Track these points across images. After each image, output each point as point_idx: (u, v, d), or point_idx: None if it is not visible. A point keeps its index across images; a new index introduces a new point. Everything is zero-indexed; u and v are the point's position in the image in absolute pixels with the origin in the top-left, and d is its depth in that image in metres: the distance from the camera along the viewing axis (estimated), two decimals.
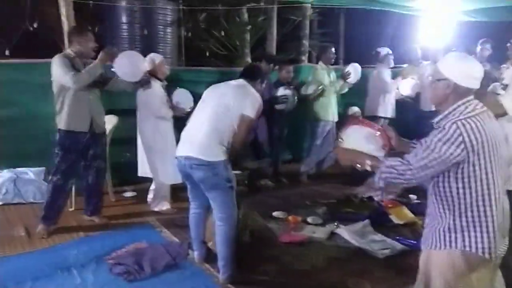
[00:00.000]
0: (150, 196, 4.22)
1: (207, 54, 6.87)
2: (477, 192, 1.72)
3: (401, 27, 8.33)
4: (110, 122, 4.20)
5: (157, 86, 3.92)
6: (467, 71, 1.78)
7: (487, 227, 1.73)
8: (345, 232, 3.51)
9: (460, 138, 1.67)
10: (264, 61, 4.68)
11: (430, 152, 1.71)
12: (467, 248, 1.74)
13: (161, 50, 6.33)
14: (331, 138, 5.10)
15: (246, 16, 7.40)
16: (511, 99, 2.51)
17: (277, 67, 4.93)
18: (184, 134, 2.84)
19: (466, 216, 1.74)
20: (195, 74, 5.35)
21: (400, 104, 6.28)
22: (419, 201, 4.32)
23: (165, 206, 4.14)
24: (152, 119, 3.93)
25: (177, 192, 4.29)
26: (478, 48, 5.61)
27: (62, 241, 3.44)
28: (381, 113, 5.40)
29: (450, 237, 1.77)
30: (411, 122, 6.10)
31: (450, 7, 5.58)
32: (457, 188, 1.74)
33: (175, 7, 6.31)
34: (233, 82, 2.92)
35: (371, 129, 2.13)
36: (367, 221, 3.69)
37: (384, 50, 5.46)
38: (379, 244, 3.35)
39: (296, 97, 4.81)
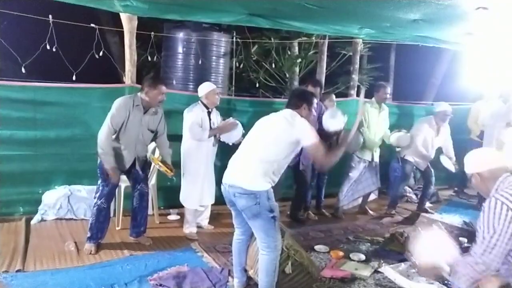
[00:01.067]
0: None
1: (257, 85, 7.04)
2: None
3: (453, 63, 8.14)
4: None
5: (199, 112, 4.08)
6: (482, 160, 2.06)
7: None
8: (389, 271, 3.38)
9: (503, 206, 1.82)
10: (310, 85, 4.61)
11: (484, 236, 1.88)
12: None
13: (213, 79, 6.57)
14: (372, 177, 5.01)
15: (296, 49, 7.56)
16: None
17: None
18: (231, 161, 2.90)
19: None
20: (243, 104, 5.49)
21: (467, 143, 6.02)
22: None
23: (188, 229, 4.21)
24: (187, 142, 4.10)
25: (219, 218, 4.35)
26: None
27: (109, 258, 3.56)
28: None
29: None
30: None
31: (506, 42, 5.41)
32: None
33: (229, 39, 6.57)
34: (281, 112, 2.97)
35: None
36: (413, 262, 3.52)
37: (441, 107, 5.15)
38: (425, 285, 3.18)
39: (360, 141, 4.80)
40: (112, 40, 7.73)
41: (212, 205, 4.41)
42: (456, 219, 5.03)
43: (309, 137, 2.73)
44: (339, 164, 5.17)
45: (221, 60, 6.59)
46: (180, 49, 6.42)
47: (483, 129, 5.82)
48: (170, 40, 6.36)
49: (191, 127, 4.03)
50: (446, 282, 3.24)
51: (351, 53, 6.96)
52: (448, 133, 5.24)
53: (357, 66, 6.50)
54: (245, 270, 3.09)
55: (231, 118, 4.32)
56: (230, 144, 4.22)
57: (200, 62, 5.75)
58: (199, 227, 4.36)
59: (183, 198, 4.20)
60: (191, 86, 6.14)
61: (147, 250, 3.77)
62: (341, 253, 3.73)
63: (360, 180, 5.01)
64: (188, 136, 4.10)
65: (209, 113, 4.17)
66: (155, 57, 5.31)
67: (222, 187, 2.87)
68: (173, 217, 4.71)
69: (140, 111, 3.65)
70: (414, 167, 5.19)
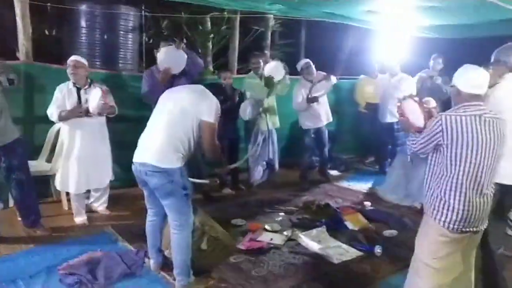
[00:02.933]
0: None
1: None
2: (447, 172, 2.16)
3: (360, 40, 8.62)
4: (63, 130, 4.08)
5: (63, 89, 3.79)
6: (468, 79, 2.20)
7: (452, 205, 2.14)
8: (302, 238, 3.57)
9: (439, 123, 2.14)
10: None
11: (423, 136, 2.25)
12: (437, 221, 2.19)
13: (121, 56, 6.23)
14: (271, 146, 5.09)
15: (209, 24, 7.43)
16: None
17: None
18: (140, 140, 2.80)
19: (440, 191, 2.18)
20: None
21: (359, 116, 6.50)
22: (372, 208, 4.47)
23: (77, 218, 3.96)
24: (63, 124, 3.87)
25: (134, 200, 4.22)
26: (431, 62, 5.90)
27: (9, 252, 3.29)
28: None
29: (430, 208, 2.23)
30: (369, 133, 6.33)
31: (405, 23, 5.84)
32: (436, 165, 2.21)
33: (137, 13, 6.23)
34: (189, 86, 2.90)
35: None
36: (324, 228, 3.76)
37: (301, 62, 5.36)
38: (335, 249, 3.42)
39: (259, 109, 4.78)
40: (3, 12, 6.91)
41: (122, 187, 4.21)
42: (362, 186, 5.45)
43: (210, 116, 2.68)
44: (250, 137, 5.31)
45: (130, 35, 6.25)
46: (83, 23, 5.95)
47: (368, 102, 6.24)
48: (72, 12, 5.84)
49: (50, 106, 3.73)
50: (351, 243, 3.52)
51: (263, 29, 7.03)
52: (324, 86, 5.21)
53: (269, 41, 6.58)
54: (161, 250, 3.05)
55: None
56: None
57: (105, 37, 5.38)
58: (94, 211, 4.17)
59: (59, 181, 3.92)
60: (98, 63, 5.75)
61: (55, 239, 3.54)
62: (257, 225, 3.84)
63: (262, 152, 5.07)
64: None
65: (78, 90, 3.77)
66: (54, 31, 4.87)
67: (133, 166, 2.77)
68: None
69: None
70: (313, 135, 5.35)
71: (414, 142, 2.31)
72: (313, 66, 5.27)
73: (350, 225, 3.85)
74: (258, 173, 5.18)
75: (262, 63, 5.05)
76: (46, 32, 4.79)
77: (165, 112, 2.75)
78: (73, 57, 3.83)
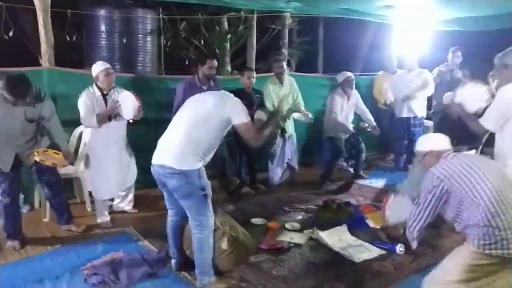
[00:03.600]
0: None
1: (187, 62, 6.86)
2: (472, 206, 2.15)
3: (378, 36, 8.50)
4: (86, 133, 4.15)
5: (90, 96, 3.80)
6: (435, 140, 2.50)
7: (487, 228, 2.09)
8: (323, 237, 3.53)
9: (438, 180, 2.23)
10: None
11: (424, 202, 2.31)
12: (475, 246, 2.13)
13: (140, 59, 6.33)
14: (289, 149, 5.12)
15: (226, 25, 7.46)
16: (486, 116, 2.82)
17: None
18: (160, 141, 2.83)
19: (470, 224, 2.15)
20: (174, 83, 5.32)
21: (378, 113, 6.39)
22: None
23: (100, 218, 3.99)
24: (89, 130, 3.91)
25: (155, 200, 4.27)
26: (450, 55, 5.78)
27: (36, 252, 3.37)
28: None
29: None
30: (389, 130, 6.23)
31: (425, 16, 5.73)
32: (459, 211, 2.22)
33: (155, 16, 6.30)
34: (214, 92, 2.93)
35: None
36: (345, 226, 3.72)
37: (342, 76, 5.29)
38: (356, 248, 3.38)
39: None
40: (24, 19, 7.10)
41: (143, 188, 4.27)
42: (383, 184, 5.36)
43: (240, 116, 2.70)
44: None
45: (148, 38, 6.35)
46: (102, 28, 6.07)
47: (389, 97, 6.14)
48: (91, 18, 5.97)
49: (81, 113, 3.78)
50: (373, 241, 3.47)
51: (280, 28, 7.01)
52: (359, 99, 5.38)
53: (286, 40, 6.56)
54: (182, 250, 3.07)
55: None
56: None
57: (124, 41, 5.47)
58: (124, 212, 4.25)
59: (94, 189, 4.01)
60: (118, 67, 5.85)
61: (79, 240, 3.62)
62: (277, 224, 3.83)
63: (281, 154, 5.09)
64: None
65: (104, 96, 3.83)
66: (74, 37, 4.97)
67: (152, 168, 2.80)
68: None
69: (7, 103, 3.19)
70: (344, 141, 5.33)
71: (416, 220, 2.34)
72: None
73: (371, 223, 3.80)
74: (277, 174, 5.17)
75: (285, 68, 5.05)
76: (67, 38, 4.88)
77: (186, 115, 2.77)
78: (103, 64, 3.89)
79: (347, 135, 5.35)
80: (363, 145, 5.45)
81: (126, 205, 4.30)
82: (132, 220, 4.12)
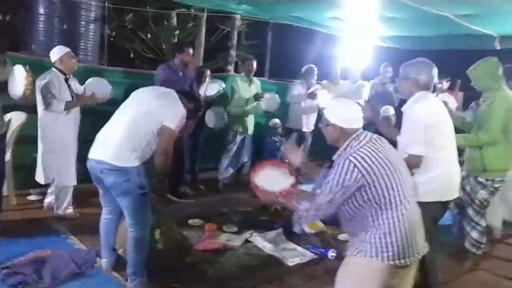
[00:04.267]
0: (47, 200, 3.99)
1: (132, 55, 6.66)
2: (381, 208, 1.92)
3: (325, 46, 8.77)
4: (16, 118, 3.90)
5: (54, 80, 3.68)
6: (347, 116, 2.06)
7: (391, 237, 1.90)
8: (258, 240, 3.57)
9: (354, 168, 1.89)
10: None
11: (332, 189, 1.92)
12: (373, 256, 1.92)
13: (82, 47, 6.03)
14: (246, 149, 5.19)
15: (175, 20, 7.33)
16: (406, 139, 2.55)
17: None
18: (98, 136, 2.71)
19: (374, 229, 1.93)
20: (116, 74, 5.13)
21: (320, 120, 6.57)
22: None
23: (68, 210, 3.90)
24: (47, 114, 3.71)
25: (87, 197, 4.07)
26: (381, 70, 6.17)
27: None
28: (300, 126, 5.62)
29: (361, 246, 1.96)
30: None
31: (368, 31, 6.01)
32: (362, 207, 1.93)
33: (100, 4, 6.04)
34: (162, 88, 2.85)
35: (282, 168, 2.35)
36: (280, 230, 3.79)
37: (305, 67, 5.71)
38: (290, 252, 3.45)
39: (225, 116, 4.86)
40: None
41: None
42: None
43: (172, 122, 2.63)
44: (216, 137, 5.32)
45: (91, 26, 6.06)
46: (41, 10, 5.70)
47: None
48: None
49: (44, 97, 3.62)
50: (307, 246, 3.57)
51: (229, 29, 7.02)
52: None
53: (235, 42, 6.57)
54: (114, 250, 2.97)
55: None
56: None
57: (65, 26, 5.18)
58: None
59: (56, 175, 3.80)
60: None
61: (1, 236, 3.36)
62: (214, 226, 3.81)
63: (236, 152, 5.14)
64: (42, 109, 3.70)
65: (66, 80, 3.78)
66: (8, 16, 4.63)
67: (88, 163, 2.67)
68: (33, 197, 4.26)
69: None
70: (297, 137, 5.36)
71: (317, 209, 1.97)
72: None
73: (306, 228, 3.90)
74: (228, 171, 5.20)
75: (254, 67, 5.13)
76: (0, 17, 4.54)
77: (128, 111, 2.68)
78: (65, 48, 3.83)
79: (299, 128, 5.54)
80: (308, 143, 5.59)
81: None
82: (61, 217, 3.89)
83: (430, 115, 2.54)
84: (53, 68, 3.75)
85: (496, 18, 4.11)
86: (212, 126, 4.83)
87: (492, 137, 3.08)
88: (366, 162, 1.90)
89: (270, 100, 5.14)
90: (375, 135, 2.05)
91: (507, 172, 3.26)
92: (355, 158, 1.91)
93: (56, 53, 3.77)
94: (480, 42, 5.04)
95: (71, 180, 3.85)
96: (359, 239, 1.97)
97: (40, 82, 3.64)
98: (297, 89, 5.60)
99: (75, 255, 3.07)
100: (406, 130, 2.58)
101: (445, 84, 5.53)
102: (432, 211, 2.51)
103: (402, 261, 1.92)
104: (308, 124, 5.71)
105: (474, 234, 3.39)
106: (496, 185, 3.24)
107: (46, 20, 5.69)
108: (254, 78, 5.23)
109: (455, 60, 5.47)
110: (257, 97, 5.06)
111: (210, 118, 4.78)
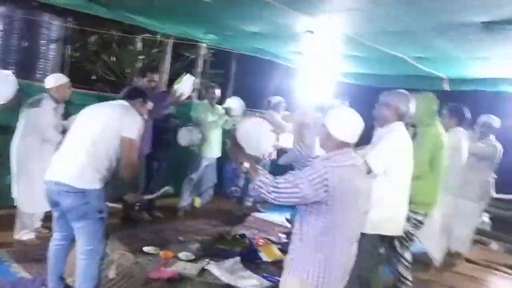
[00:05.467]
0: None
1: (94, 77, 6.56)
2: (327, 231, 1.92)
3: (287, 78, 9.02)
4: None
5: (48, 107, 3.60)
6: (342, 125, 1.98)
7: (324, 261, 1.92)
8: (215, 269, 3.51)
9: (326, 182, 1.84)
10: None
11: (295, 181, 1.87)
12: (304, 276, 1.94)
13: (41, 66, 5.88)
14: (210, 174, 5.15)
15: (140, 45, 7.33)
16: (375, 156, 2.65)
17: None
18: (55, 157, 2.62)
19: (315, 248, 1.93)
20: (77, 96, 5.00)
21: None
22: (287, 240, 4.56)
23: (25, 236, 3.69)
24: (31, 140, 3.58)
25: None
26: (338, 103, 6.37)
27: None
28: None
29: (295, 264, 1.98)
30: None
31: (329, 66, 6.26)
32: (311, 223, 1.93)
33: (62, 24, 5.96)
34: (111, 102, 2.80)
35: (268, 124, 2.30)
36: (237, 258, 3.75)
37: (276, 99, 5.76)
38: (248, 280, 3.42)
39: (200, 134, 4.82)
40: None
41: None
42: (278, 217, 5.55)
43: (131, 131, 2.58)
44: (179, 162, 5.25)
45: (52, 46, 5.95)
46: (0, 26, 5.54)
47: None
48: None
49: (46, 129, 3.53)
50: (265, 274, 3.55)
51: (194, 56, 7.09)
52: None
53: (199, 69, 6.63)
54: (63, 279, 2.81)
55: None
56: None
57: (25, 44, 5.05)
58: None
59: (22, 201, 3.63)
60: (12, 71, 5.33)
61: None
62: (170, 254, 3.72)
63: (200, 178, 5.08)
64: (29, 132, 3.57)
65: (56, 108, 3.69)
66: None
67: (44, 185, 2.56)
68: None
69: None
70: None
71: (271, 191, 1.90)
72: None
73: (264, 256, 3.89)
74: (189, 199, 5.12)
75: (218, 95, 5.13)
76: None
77: (84, 129, 2.61)
78: (63, 76, 3.82)
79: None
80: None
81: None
82: (5, 242, 3.66)
83: (402, 147, 2.69)
84: (46, 94, 3.63)
85: (445, 62, 4.42)
86: (186, 144, 4.76)
87: (419, 170, 3.03)
88: (339, 183, 1.85)
89: (236, 104, 5.19)
90: (361, 161, 2.07)
91: (431, 207, 3.26)
92: (332, 173, 1.85)
93: (53, 81, 3.69)
94: (432, 83, 5.37)
95: (36, 207, 3.64)
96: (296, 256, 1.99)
97: (36, 110, 3.54)
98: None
99: (19, 285, 2.89)
100: (376, 150, 2.68)
101: None
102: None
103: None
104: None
105: (400, 269, 3.32)
106: (419, 218, 3.18)
107: (5, 37, 5.53)
108: (217, 106, 5.25)
109: None
110: (227, 111, 5.07)
111: (184, 136, 4.73)
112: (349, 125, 1.98)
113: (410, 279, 3.35)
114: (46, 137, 3.58)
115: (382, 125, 2.79)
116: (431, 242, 3.94)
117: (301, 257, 1.98)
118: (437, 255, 4.09)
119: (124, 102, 2.77)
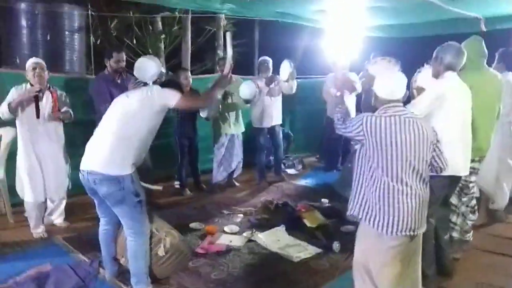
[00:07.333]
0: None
1: None
2: (373, 174, 2.21)
3: (313, 40, 8.75)
4: (6, 134, 3.83)
5: (20, 92, 3.56)
6: (384, 86, 2.27)
7: (383, 208, 2.17)
8: (261, 239, 3.56)
9: (360, 123, 2.22)
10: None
11: (348, 125, 2.34)
12: (370, 224, 2.22)
13: (67, 58, 5.94)
14: (237, 149, 5.10)
15: (160, 24, 7.27)
16: (414, 104, 2.75)
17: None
18: (88, 146, 2.66)
19: (370, 194, 2.22)
20: None
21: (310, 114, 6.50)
22: (330, 205, 4.54)
23: (34, 230, 3.70)
24: (20, 128, 3.60)
25: (86, 208, 4.03)
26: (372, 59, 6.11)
27: None
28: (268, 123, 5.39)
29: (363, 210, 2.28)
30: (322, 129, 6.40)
31: (354, 22, 6.01)
32: (361, 165, 2.27)
33: (83, 12, 5.97)
34: (139, 88, 2.80)
35: None
36: (282, 227, 3.78)
37: (259, 60, 5.52)
38: (294, 248, 3.44)
39: (220, 105, 4.78)
40: None
41: (72, 196, 4.01)
42: (319, 183, 5.51)
43: (173, 96, 2.61)
44: (209, 138, 5.27)
45: (76, 36, 5.97)
46: (23, 23, 5.61)
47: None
48: (9, 11, 5.50)
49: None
50: (310, 240, 3.55)
51: (215, 29, 6.98)
52: (279, 80, 5.32)
53: (221, 42, 6.53)
54: (116, 259, 2.93)
55: None
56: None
57: (48, 37, 5.09)
58: (53, 225, 3.93)
59: (19, 188, 3.70)
60: None
61: (1, 255, 3.30)
62: (215, 228, 3.79)
63: (227, 155, 5.06)
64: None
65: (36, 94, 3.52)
66: None
67: (80, 175, 2.63)
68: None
69: None
70: (268, 134, 5.33)
71: (344, 127, 2.39)
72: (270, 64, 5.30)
73: (308, 222, 3.89)
74: (221, 176, 5.12)
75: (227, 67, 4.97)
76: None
77: (113, 117, 2.63)
78: (34, 59, 3.63)
79: (269, 126, 5.31)
80: (280, 140, 5.43)
81: (57, 217, 3.97)
82: (62, 230, 3.86)
83: (448, 91, 2.72)
84: (28, 83, 3.60)
85: (480, 0, 4.13)
86: (205, 116, 4.77)
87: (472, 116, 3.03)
88: (371, 127, 2.18)
89: (245, 88, 4.91)
90: (408, 114, 2.23)
91: (485, 152, 3.24)
92: (366, 118, 2.21)
93: (26, 65, 3.61)
94: (466, 25, 5.06)
95: (35, 196, 3.65)
96: (363, 201, 2.27)
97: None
98: (252, 86, 5.04)
99: (78, 268, 3.03)
100: (417, 98, 2.82)
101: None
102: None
103: (389, 230, 2.16)
104: (274, 118, 5.36)
105: (460, 219, 3.31)
106: (476, 166, 3.18)
107: (29, 32, 5.60)
108: (235, 76, 5.08)
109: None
110: (225, 96, 4.89)
111: (246, 88, 4.79)
112: (389, 85, 2.26)
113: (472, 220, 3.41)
114: (2, 115, 3.51)
115: (437, 78, 2.84)
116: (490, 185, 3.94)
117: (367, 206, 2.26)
118: (497, 198, 4.09)
119: (153, 85, 2.79)
